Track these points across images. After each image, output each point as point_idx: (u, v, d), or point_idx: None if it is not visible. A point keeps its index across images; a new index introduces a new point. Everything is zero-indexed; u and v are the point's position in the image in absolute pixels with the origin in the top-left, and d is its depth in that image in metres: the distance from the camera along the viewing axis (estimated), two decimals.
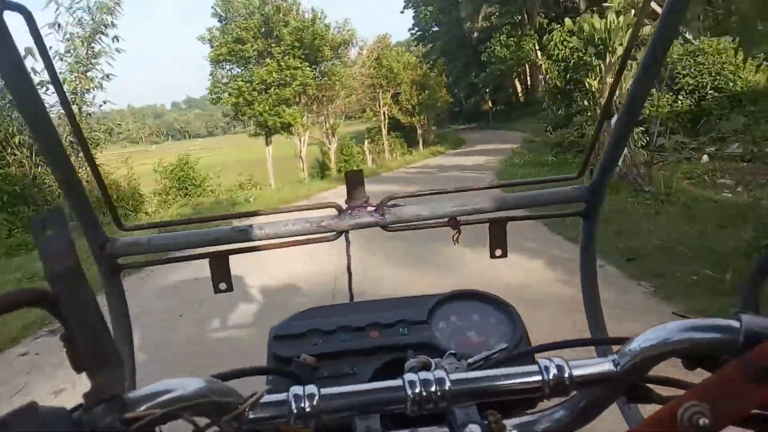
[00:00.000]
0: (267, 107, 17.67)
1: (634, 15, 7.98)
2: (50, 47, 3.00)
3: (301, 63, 17.99)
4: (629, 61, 5.27)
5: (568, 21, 10.25)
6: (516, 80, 39.35)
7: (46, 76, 7.50)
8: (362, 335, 0.80)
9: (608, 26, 9.29)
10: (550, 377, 0.51)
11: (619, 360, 0.52)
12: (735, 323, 0.47)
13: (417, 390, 0.51)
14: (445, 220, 0.95)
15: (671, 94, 10.49)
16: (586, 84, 10.07)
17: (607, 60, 9.63)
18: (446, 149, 24.34)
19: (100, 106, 13.42)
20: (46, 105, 0.81)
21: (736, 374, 0.42)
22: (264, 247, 0.96)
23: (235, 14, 18.06)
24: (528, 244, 5.39)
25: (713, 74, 10.43)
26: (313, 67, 18.78)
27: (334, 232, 0.94)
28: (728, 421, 0.42)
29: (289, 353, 0.75)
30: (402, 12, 58.11)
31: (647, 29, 5.54)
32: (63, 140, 1.11)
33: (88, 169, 0.98)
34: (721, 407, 0.42)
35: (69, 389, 3.30)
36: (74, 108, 12.73)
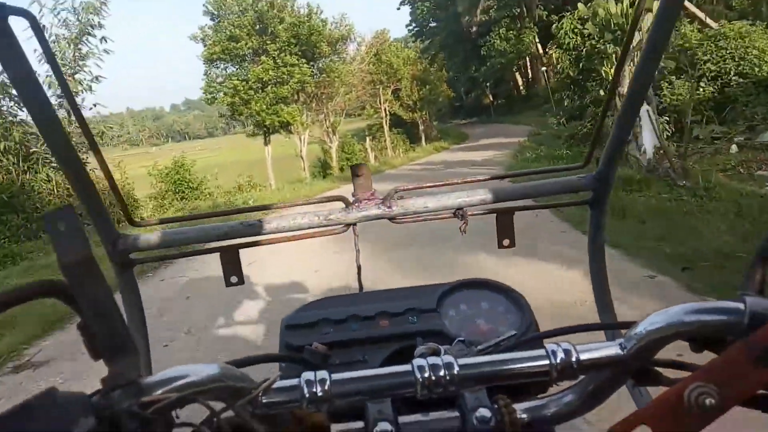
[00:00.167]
0: (264, 106, 17.01)
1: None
2: (34, 50, 2.90)
3: (298, 60, 17.32)
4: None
5: (581, 6, 9.65)
6: (517, 73, 39.07)
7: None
8: (372, 324, 0.80)
9: (625, 11, 8.72)
10: (558, 361, 0.51)
11: (626, 344, 0.52)
12: (740, 305, 0.47)
13: (426, 374, 0.51)
14: (452, 211, 0.95)
15: (692, 81, 9.88)
16: (602, 73, 9.47)
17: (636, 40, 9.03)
18: (449, 144, 23.90)
19: (90, 108, 12.95)
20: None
21: (741, 355, 0.43)
22: (273, 240, 0.97)
23: (227, 12, 17.37)
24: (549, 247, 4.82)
25: (736, 59, 9.82)
26: (311, 64, 18.11)
27: (342, 225, 0.95)
28: (734, 402, 0.43)
29: (300, 342, 0.76)
30: (398, 8, 57.86)
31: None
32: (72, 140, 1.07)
33: (93, 169, 0.98)
34: (726, 388, 0.43)
35: None
36: (63, 112, 12.33)
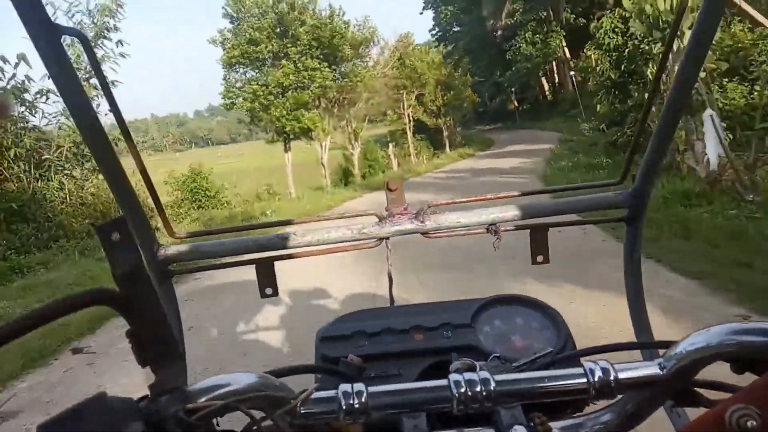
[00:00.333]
0: (284, 112, 16.43)
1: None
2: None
3: (319, 64, 16.71)
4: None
5: (626, 2, 8.87)
6: (543, 78, 38.37)
7: None
8: (407, 338, 0.80)
9: (675, 6, 7.93)
10: (596, 380, 0.51)
11: (665, 363, 0.52)
12: None
13: (462, 390, 0.51)
14: (485, 226, 0.95)
15: (746, 84, 9.01)
16: (648, 75, 8.66)
17: (675, 46, 8.23)
18: (474, 151, 23.21)
19: (106, 114, 12.60)
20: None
21: None
22: (307, 253, 0.98)
23: (247, 14, 16.84)
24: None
25: None
26: (333, 68, 17.52)
27: (376, 239, 0.95)
28: None
29: (336, 354, 0.76)
30: (421, 13, 57.62)
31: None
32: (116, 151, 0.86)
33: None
34: None
35: None
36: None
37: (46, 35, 0.69)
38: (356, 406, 0.51)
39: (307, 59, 16.50)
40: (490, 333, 0.82)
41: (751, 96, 9.08)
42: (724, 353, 0.49)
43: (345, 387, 0.52)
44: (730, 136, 7.88)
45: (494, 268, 4.66)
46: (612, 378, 0.51)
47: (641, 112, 1.08)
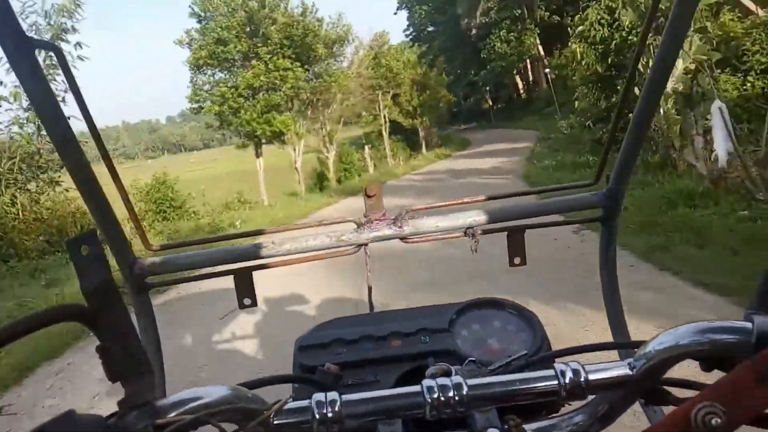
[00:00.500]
0: (255, 115, 15.59)
1: None
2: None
3: (291, 64, 15.92)
4: None
5: None
6: (517, 77, 38.35)
7: None
8: (385, 344, 0.81)
9: None
10: (567, 381, 0.52)
11: (635, 363, 0.52)
12: (747, 324, 0.47)
13: (435, 395, 0.51)
14: (463, 230, 0.95)
15: (739, 75, 8.66)
16: (640, 67, 8.21)
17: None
18: (452, 152, 22.86)
19: (40, 122, 11.71)
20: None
21: (748, 375, 0.43)
22: (286, 262, 0.98)
23: (215, 12, 15.95)
24: None
25: None
26: (306, 68, 16.75)
27: (354, 246, 0.95)
28: (741, 421, 0.43)
29: (314, 362, 0.76)
30: (395, 13, 57.34)
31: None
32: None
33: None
34: (733, 408, 0.43)
35: None
36: (32, 127, 11.18)
37: (19, 49, 0.68)
38: (329, 415, 0.50)
39: (278, 59, 15.69)
40: (468, 337, 0.83)
41: (744, 88, 8.73)
42: (692, 352, 0.49)
43: (318, 396, 0.52)
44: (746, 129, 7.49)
45: (487, 286, 4.10)
46: (582, 379, 0.52)
47: (615, 112, 1.05)
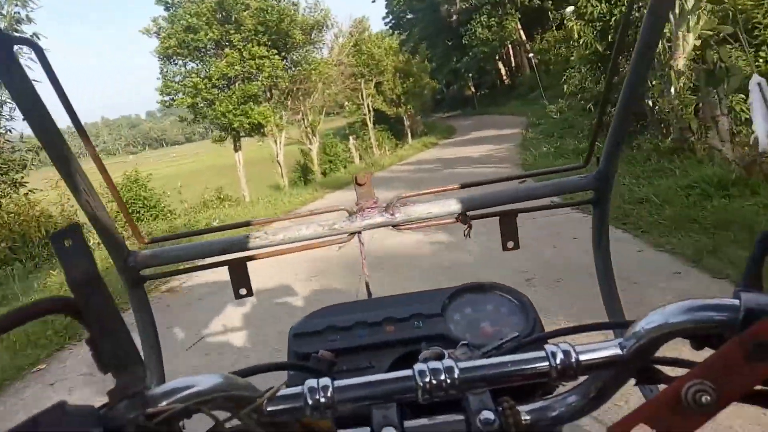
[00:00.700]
0: (231, 106, 14.68)
1: None
2: None
3: (267, 51, 14.99)
4: None
5: None
6: (500, 62, 37.90)
7: None
8: (378, 330, 0.81)
9: None
10: (557, 362, 0.52)
11: (625, 343, 0.52)
12: (735, 302, 0.48)
13: (427, 379, 0.51)
14: (455, 216, 0.96)
15: (750, 50, 8.06)
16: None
17: (677, 6, 7.18)
18: (438, 140, 22.17)
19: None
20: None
21: (736, 352, 0.43)
22: (280, 252, 0.98)
23: None
24: None
25: None
26: (283, 55, 15.84)
27: (347, 234, 0.96)
28: (731, 399, 0.43)
29: (308, 350, 0.77)
30: (373, 1, 56.49)
31: None
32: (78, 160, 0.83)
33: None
34: (723, 385, 0.43)
35: None
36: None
37: None
38: (322, 401, 0.50)
39: (253, 46, 14.75)
40: (460, 321, 0.82)
41: (756, 63, 8.13)
42: (682, 330, 0.50)
43: (311, 382, 0.52)
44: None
45: None
46: (573, 360, 0.52)
47: (602, 94, 1.02)
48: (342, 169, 17.68)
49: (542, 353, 0.53)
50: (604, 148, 0.93)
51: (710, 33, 7.58)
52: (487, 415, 0.53)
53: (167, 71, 15.46)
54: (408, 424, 0.58)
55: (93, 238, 6.68)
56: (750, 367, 0.43)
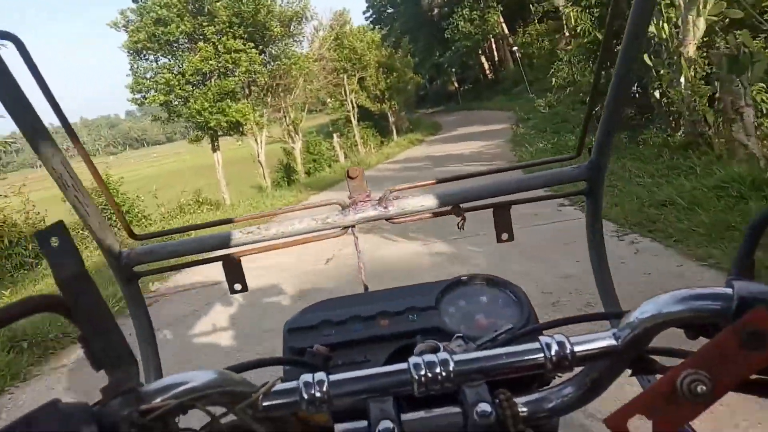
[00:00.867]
0: (207, 104, 13.85)
1: None
2: None
3: (244, 44, 14.16)
4: None
5: None
6: (482, 57, 37.56)
7: None
8: (373, 324, 0.81)
9: None
10: (552, 354, 0.52)
11: (620, 333, 0.52)
12: (728, 290, 0.48)
13: (422, 372, 0.52)
14: (449, 208, 0.96)
15: (761, 37, 7.57)
16: (653, 29, 7.00)
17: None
18: (424, 137, 21.65)
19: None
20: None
21: (730, 341, 0.43)
22: (274, 246, 0.99)
23: None
24: None
25: None
26: (261, 49, 15.03)
27: (341, 228, 0.96)
28: (727, 388, 0.43)
29: (303, 345, 0.77)
30: None
31: None
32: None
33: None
34: (718, 374, 0.43)
35: None
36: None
37: None
38: (317, 395, 0.51)
39: (228, 39, 13.89)
40: (455, 313, 0.82)
41: (767, 50, 7.64)
42: (676, 320, 0.50)
43: (306, 377, 0.52)
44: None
45: None
46: (568, 351, 0.52)
47: (591, 86, 1.00)
48: (327, 168, 16.97)
49: (537, 345, 0.53)
50: (595, 138, 0.93)
51: (715, 18, 7.06)
52: (484, 407, 0.53)
53: (138, 67, 14.54)
54: (405, 417, 0.58)
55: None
56: (744, 355, 0.42)
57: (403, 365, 0.53)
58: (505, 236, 1.00)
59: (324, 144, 18.71)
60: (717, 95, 6.12)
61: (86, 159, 0.88)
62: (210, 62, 13.80)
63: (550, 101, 16.68)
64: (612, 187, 6.03)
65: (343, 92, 20.03)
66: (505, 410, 0.53)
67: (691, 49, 6.54)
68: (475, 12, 32.25)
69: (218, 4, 13.82)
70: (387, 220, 0.95)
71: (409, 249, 5.31)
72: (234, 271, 0.96)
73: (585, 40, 8.91)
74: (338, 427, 0.58)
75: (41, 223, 10.32)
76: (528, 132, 13.88)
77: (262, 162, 15.43)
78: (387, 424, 0.54)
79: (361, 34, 22.69)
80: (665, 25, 6.79)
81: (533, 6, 31.60)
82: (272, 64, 15.55)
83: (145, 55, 14.58)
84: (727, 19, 7.23)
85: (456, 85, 41.23)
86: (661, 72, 7.03)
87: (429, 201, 0.94)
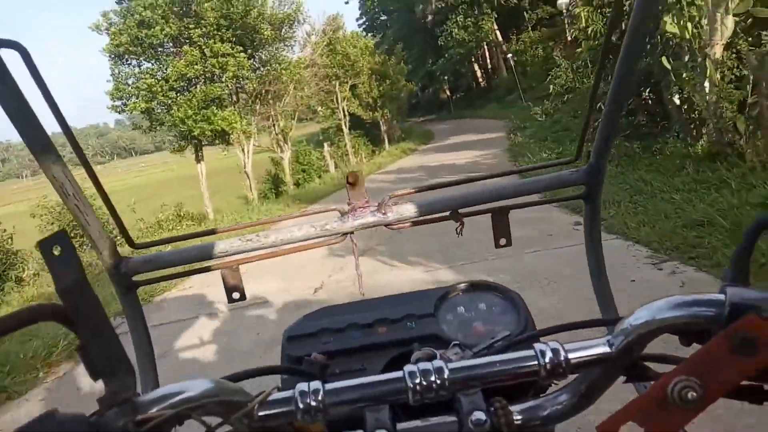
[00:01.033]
0: (191, 111, 13.12)
1: None
2: None
3: (232, 48, 13.46)
4: None
5: None
6: (475, 64, 37.37)
7: None
8: (371, 332, 0.81)
9: None
10: (546, 361, 0.52)
11: (613, 340, 0.52)
12: (720, 297, 0.48)
13: (417, 380, 0.52)
14: (448, 213, 0.96)
15: None
16: (666, 26, 6.43)
17: None
18: (417, 145, 21.15)
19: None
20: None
21: (722, 347, 0.43)
22: (272, 254, 0.99)
23: None
24: None
25: None
26: (250, 53, 14.35)
27: (339, 235, 0.96)
28: (718, 394, 0.43)
29: (301, 353, 0.77)
30: (347, 2, 55.51)
31: None
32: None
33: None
34: (709, 380, 0.43)
35: None
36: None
37: None
38: (313, 404, 0.51)
39: (215, 43, 13.19)
40: (453, 321, 0.83)
41: None
42: (669, 326, 0.50)
43: (302, 386, 0.52)
44: None
45: None
46: (562, 358, 0.52)
47: (590, 90, 1.03)
48: (317, 179, 16.32)
49: (531, 352, 0.53)
50: (594, 142, 0.91)
51: (736, 19, 6.54)
52: (479, 415, 0.53)
53: (119, 72, 13.79)
54: (401, 426, 0.58)
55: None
56: (735, 362, 0.42)
57: (398, 373, 0.53)
58: (503, 241, 0.98)
59: (314, 153, 18.07)
60: (748, 100, 5.57)
61: (87, 167, 0.84)
62: (195, 67, 13.07)
63: (547, 109, 16.23)
64: (633, 203, 5.46)
65: (334, 100, 19.43)
66: (499, 418, 0.52)
67: (717, 50, 5.99)
68: (469, 19, 31.96)
69: (206, 5, 13.11)
70: (386, 226, 0.94)
71: (409, 276, 4.69)
72: (232, 279, 0.94)
73: (596, 42, 8.36)
74: None
75: (7, 242, 9.59)
76: (526, 141, 13.36)
77: (248, 173, 14.71)
78: None
79: (354, 39, 22.18)
80: (688, 24, 6.23)
81: (527, 13, 31.58)
82: (262, 69, 14.87)
83: (127, 60, 13.83)
84: (750, 19, 6.71)
85: (448, 93, 41.02)
86: (684, 75, 6.48)
87: (427, 206, 0.94)
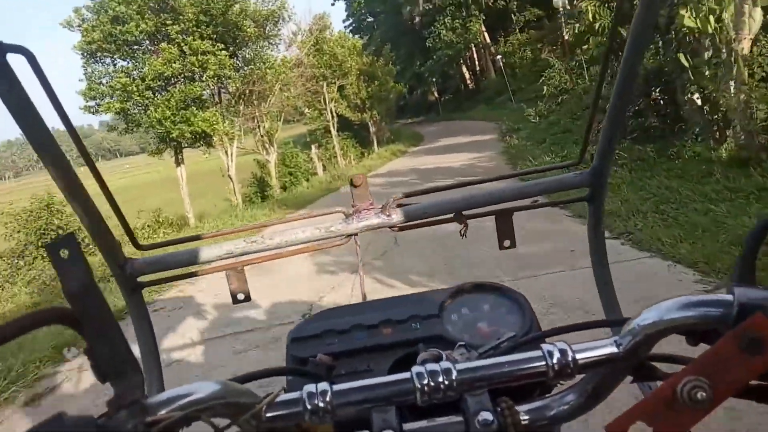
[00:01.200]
0: (168, 112, 12.34)
1: None
2: None
3: (213, 46, 12.69)
4: None
5: None
6: (463, 66, 37.08)
7: None
8: (376, 333, 0.81)
9: None
10: (554, 361, 0.52)
11: (621, 341, 0.52)
12: (729, 297, 0.48)
13: (425, 381, 0.52)
14: (451, 215, 0.96)
15: None
16: (683, 20, 5.91)
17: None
18: (407, 148, 20.62)
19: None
20: None
21: (730, 347, 0.43)
22: (277, 255, 0.99)
23: None
24: None
25: None
26: (232, 51, 13.62)
27: (344, 236, 0.96)
28: (727, 394, 0.43)
29: (306, 354, 0.76)
30: (333, 4, 54.98)
31: None
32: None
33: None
34: (718, 380, 0.43)
35: None
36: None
37: None
38: (321, 405, 0.51)
39: (194, 40, 12.41)
40: (458, 321, 0.82)
41: None
42: (677, 327, 0.50)
43: (309, 387, 0.52)
44: None
45: None
46: (570, 359, 0.52)
47: (594, 91, 0.97)
48: (304, 183, 15.65)
49: (539, 353, 0.53)
50: (598, 144, 0.91)
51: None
52: (486, 416, 0.53)
53: (92, 71, 12.95)
54: (407, 426, 0.58)
55: None
56: (744, 361, 0.42)
57: (406, 374, 0.53)
58: (507, 243, 0.98)
59: (301, 156, 17.40)
60: None
61: (92, 168, 0.86)
62: (174, 65, 12.26)
63: (541, 111, 15.80)
64: (661, 214, 4.90)
65: (322, 101, 18.77)
66: (506, 418, 0.52)
67: (746, 45, 5.46)
68: (457, 20, 31.70)
69: (184, 0, 12.36)
70: (390, 228, 0.94)
71: None
72: (238, 280, 0.94)
73: (604, 38, 7.82)
74: None
75: None
76: (524, 144, 12.84)
77: (232, 176, 13.99)
78: None
79: (342, 39, 21.56)
80: (711, 17, 5.70)
81: (515, 15, 31.34)
82: (245, 68, 14.16)
83: (100, 58, 13.01)
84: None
85: (436, 95, 40.70)
86: (706, 73, 5.95)
87: (431, 208, 0.94)
